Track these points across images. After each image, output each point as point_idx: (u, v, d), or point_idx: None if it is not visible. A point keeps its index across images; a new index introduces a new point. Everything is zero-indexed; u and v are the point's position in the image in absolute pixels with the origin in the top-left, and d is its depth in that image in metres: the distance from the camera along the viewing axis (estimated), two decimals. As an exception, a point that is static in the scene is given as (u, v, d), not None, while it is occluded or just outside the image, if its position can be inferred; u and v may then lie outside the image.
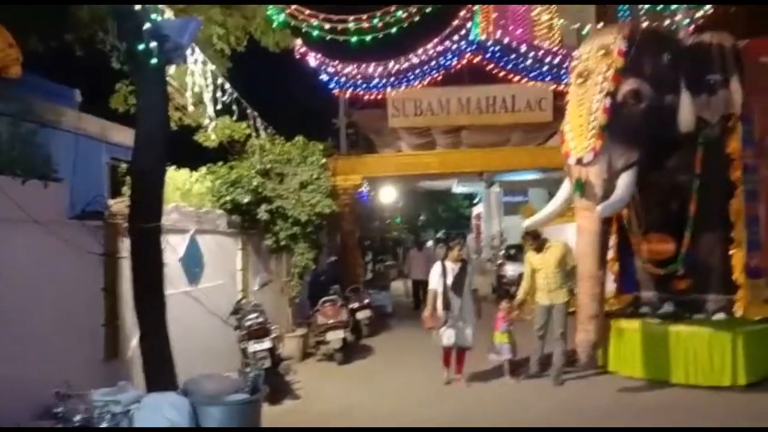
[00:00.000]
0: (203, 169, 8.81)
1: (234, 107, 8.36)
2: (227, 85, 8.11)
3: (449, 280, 7.39)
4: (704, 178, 7.20)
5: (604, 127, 6.56)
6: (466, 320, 7.40)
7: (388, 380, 8.01)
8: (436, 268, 7.52)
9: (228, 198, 8.52)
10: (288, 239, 9.19)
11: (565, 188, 7.21)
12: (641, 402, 6.62)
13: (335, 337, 9.00)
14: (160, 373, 5.06)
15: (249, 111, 9.10)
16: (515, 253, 15.76)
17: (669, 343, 7.09)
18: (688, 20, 14.49)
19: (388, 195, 21.79)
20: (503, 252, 17.32)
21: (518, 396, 7.04)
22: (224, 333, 7.57)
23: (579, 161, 6.67)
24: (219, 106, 7.99)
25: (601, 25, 10.27)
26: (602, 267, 6.91)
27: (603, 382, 7.38)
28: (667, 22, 14.05)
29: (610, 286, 8.48)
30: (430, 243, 17.70)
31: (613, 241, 8.25)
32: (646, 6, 13.34)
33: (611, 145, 6.59)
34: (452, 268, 7.47)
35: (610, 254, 8.23)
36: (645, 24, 8.82)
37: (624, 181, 6.62)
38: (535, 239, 7.66)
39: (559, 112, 14.53)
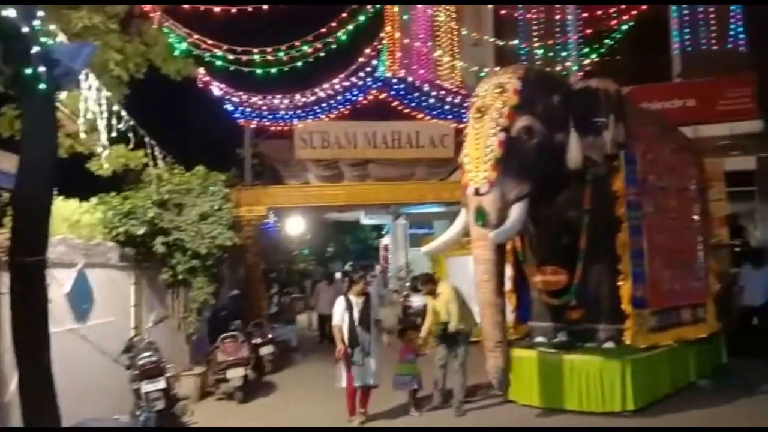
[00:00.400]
0: (94, 200, 8.37)
1: (130, 135, 8.04)
2: (123, 113, 7.80)
3: (355, 315, 7.31)
4: (593, 214, 7.61)
5: (498, 159, 6.83)
6: (372, 355, 7.34)
7: (290, 418, 7.80)
8: (340, 303, 7.43)
9: (121, 230, 8.11)
10: (186, 273, 8.85)
11: (462, 218, 7.44)
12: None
13: (235, 375, 8.71)
14: (40, 418, 4.68)
15: (146, 139, 8.77)
16: (431, 274, 15.93)
17: (563, 371, 7.38)
18: (577, 66, 15.58)
19: (295, 226, 21.57)
20: (409, 284, 17.47)
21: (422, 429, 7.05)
22: (115, 373, 7.15)
23: (476, 191, 6.91)
24: (114, 134, 7.66)
25: (496, 69, 10.79)
26: (501, 295, 7.12)
27: (503, 411, 7.55)
28: (558, 67, 15.03)
29: (509, 317, 8.75)
30: (338, 276, 17.42)
31: (509, 273, 8.55)
32: (540, 52, 14.18)
33: (505, 177, 6.87)
34: (356, 302, 7.42)
35: (508, 286, 8.50)
36: (539, 68, 9.29)
37: (516, 211, 6.90)
38: (426, 284, 7.92)
39: (460, 148, 15.05)
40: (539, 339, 8.15)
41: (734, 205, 14.87)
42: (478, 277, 6.99)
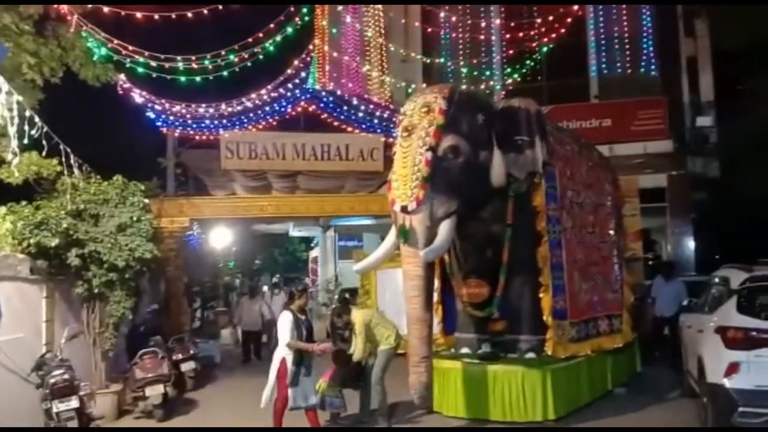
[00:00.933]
0: (3, 209, 7.89)
1: (43, 142, 7.65)
2: (36, 118, 7.41)
3: (303, 333, 7.03)
4: (515, 228, 7.82)
5: (426, 178, 6.93)
6: (311, 375, 7.14)
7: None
8: (287, 318, 6.99)
9: (32, 241, 7.66)
10: (103, 286, 8.45)
11: (393, 234, 7.47)
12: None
13: (154, 392, 8.37)
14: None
15: (61, 146, 8.36)
16: (349, 298, 15.86)
17: (487, 382, 7.51)
18: (500, 86, 16.06)
19: (220, 238, 21.07)
20: (338, 296, 17.37)
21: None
22: (25, 392, 6.82)
23: (404, 209, 6.96)
24: (26, 140, 7.27)
25: (424, 85, 10.98)
26: (430, 310, 7.18)
27: (428, 423, 7.58)
28: (483, 86, 15.46)
29: (436, 328, 8.85)
30: (265, 289, 17.02)
31: (437, 284, 8.65)
32: (465, 71, 14.51)
33: (433, 194, 6.96)
34: (301, 318, 7.16)
35: (435, 297, 8.62)
36: (464, 87, 9.51)
37: (444, 228, 7.00)
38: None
39: (389, 162, 15.22)
40: (464, 350, 8.28)
41: (647, 220, 15.69)
42: (407, 293, 7.03)
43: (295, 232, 26.30)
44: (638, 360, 9.83)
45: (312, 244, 29.56)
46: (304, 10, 11.45)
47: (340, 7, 17.21)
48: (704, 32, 16.54)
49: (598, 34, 17.51)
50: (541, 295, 7.73)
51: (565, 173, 8.23)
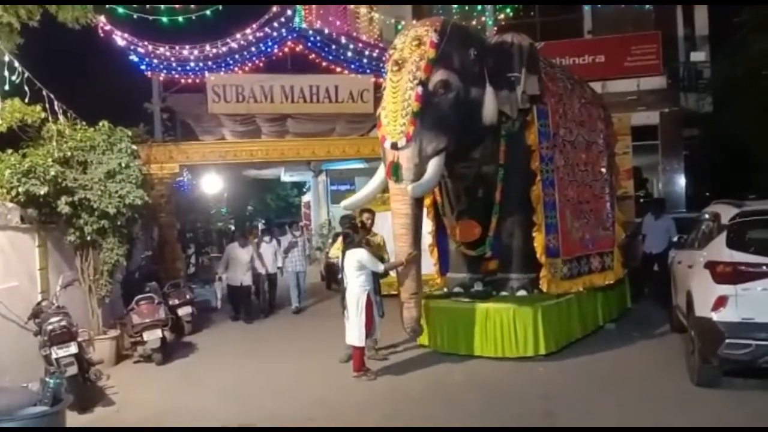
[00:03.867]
0: (-12, 158, 7.77)
1: (26, 88, 7.45)
2: (16, 63, 7.20)
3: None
4: (507, 168, 7.80)
5: (416, 113, 6.85)
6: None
7: (211, 379, 7.68)
8: (363, 252, 7.05)
9: (21, 189, 7.56)
10: (95, 234, 8.42)
11: (381, 172, 7.44)
12: (459, 376, 7.05)
13: (153, 337, 8.48)
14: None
15: (44, 92, 8.16)
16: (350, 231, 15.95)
17: (479, 319, 7.63)
18: (492, 21, 15.69)
19: (211, 184, 20.96)
20: (331, 240, 17.44)
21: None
22: (23, 339, 6.87)
23: (393, 145, 6.91)
24: (7, 87, 7.07)
25: (414, 22, 10.70)
26: (418, 247, 7.23)
27: (422, 359, 7.75)
28: (474, 22, 15.09)
29: (431, 269, 8.95)
30: (267, 237, 12.72)
31: (431, 227, 8.69)
32: (456, 7, 14.13)
33: (422, 131, 6.91)
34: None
35: (429, 240, 8.68)
36: (456, 21, 9.25)
37: (433, 165, 6.98)
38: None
39: (379, 103, 14.99)
40: (457, 289, 8.40)
41: (639, 157, 15.67)
42: (396, 230, 7.09)
43: (286, 177, 26.16)
44: (628, 296, 9.99)
45: (304, 189, 29.50)
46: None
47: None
48: (700, -36, 16.13)
49: (592, -33, 17.04)
50: (534, 233, 7.77)
51: (558, 111, 8.14)
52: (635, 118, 14.93)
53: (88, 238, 8.43)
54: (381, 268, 7.08)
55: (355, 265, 6.95)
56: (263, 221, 24.87)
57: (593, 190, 8.84)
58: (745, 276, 5.45)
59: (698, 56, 15.69)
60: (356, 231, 7.21)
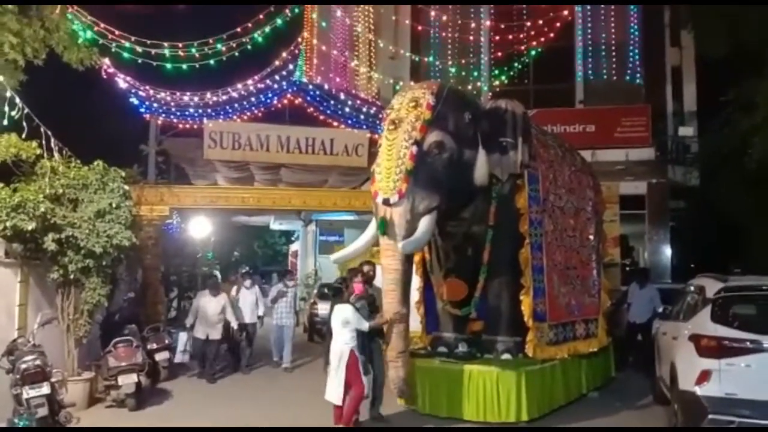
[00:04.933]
0: (-21, 191, 7.73)
1: (24, 124, 7.50)
2: (17, 99, 7.27)
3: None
4: (497, 229, 7.86)
5: (409, 171, 6.95)
6: None
7: (184, 424, 7.49)
8: (350, 308, 6.94)
9: (8, 224, 7.51)
10: (79, 272, 8.33)
11: (373, 227, 7.47)
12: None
13: (128, 381, 8.27)
14: None
15: (42, 129, 8.22)
16: (328, 292, 15.83)
17: (462, 381, 7.52)
18: (487, 87, 16.12)
19: (200, 228, 20.87)
20: (316, 291, 17.33)
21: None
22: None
23: (385, 201, 6.97)
24: (5, 122, 7.12)
25: (411, 83, 10.99)
26: (406, 305, 7.20)
27: (404, 420, 7.59)
28: (470, 87, 15.50)
29: (417, 327, 8.88)
30: (248, 282, 11.53)
31: (418, 283, 8.68)
32: (453, 71, 14.51)
33: (415, 189, 6.99)
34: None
35: (416, 296, 8.65)
36: (452, 85, 9.50)
37: (425, 223, 7.02)
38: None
39: (373, 158, 15.23)
40: (441, 349, 8.31)
41: (626, 226, 15.87)
42: (384, 286, 7.06)
43: (275, 225, 26.19)
44: (613, 365, 9.93)
45: (292, 238, 29.47)
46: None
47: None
48: (689, 42, 16.73)
49: (586, 40, 17.68)
50: (521, 296, 7.76)
51: (548, 176, 8.28)
52: (623, 188, 15.18)
53: (72, 276, 8.34)
54: (366, 326, 6.95)
55: (341, 320, 6.86)
56: (249, 268, 24.58)
57: (580, 256, 8.91)
58: (729, 351, 5.47)
59: (686, 131, 16.14)
60: (342, 287, 7.16)
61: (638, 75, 17.23)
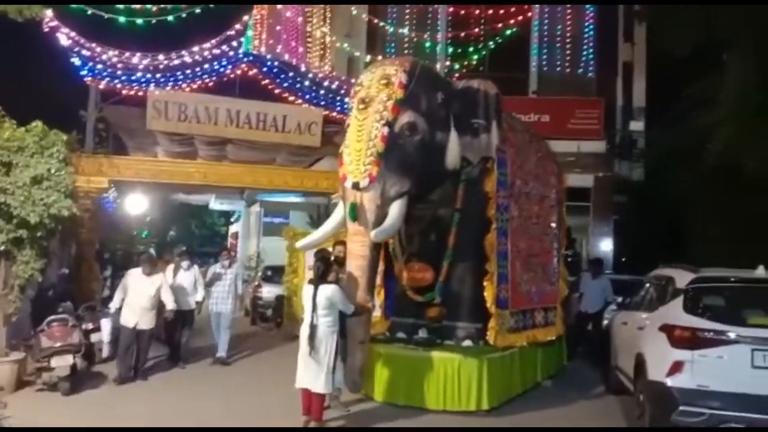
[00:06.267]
0: None
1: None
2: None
3: None
4: (463, 213, 7.66)
5: (381, 154, 6.64)
6: None
7: (123, 413, 6.96)
8: (337, 290, 6.38)
9: (-71, 187, 6.76)
10: (10, 244, 7.60)
11: (340, 211, 7.11)
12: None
13: (62, 363, 7.63)
14: None
15: (-28, 84, 7.43)
16: (272, 275, 15.37)
17: (423, 368, 7.30)
18: (445, 71, 15.87)
19: (136, 204, 19.90)
20: (261, 274, 16.82)
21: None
22: None
23: (355, 186, 6.63)
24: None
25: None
26: (372, 292, 6.91)
27: (362, 409, 7.31)
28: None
29: (376, 312, 8.58)
30: (186, 263, 9.92)
31: (380, 267, 8.36)
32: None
33: (386, 172, 6.69)
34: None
35: (378, 281, 8.33)
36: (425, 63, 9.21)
37: (396, 209, 6.74)
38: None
39: (326, 138, 14.84)
40: (400, 335, 8.05)
41: (570, 218, 16.02)
42: (351, 274, 6.72)
43: (216, 205, 25.37)
44: (565, 354, 9.96)
45: (232, 219, 28.65)
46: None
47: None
48: (642, 39, 17.05)
49: (542, 31, 17.73)
50: (485, 283, 7.59)
51: (516, 161, 8.14)
52: (571, 180, 15.21)
53: (2, 248, 7.60)
54: (351, 308, 6.47)
55: (324, 303, 6.31)
56: (184, 248, 23.57)
57: (542, 243, 8.84)
58: (703, 342, 5.43)
59: (637, 125, 16.45)
60: (329, 265, 6.68)
61: (590, 68, 17.43)
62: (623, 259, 16.41)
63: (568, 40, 17.43)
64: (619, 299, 9.25)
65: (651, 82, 17.19)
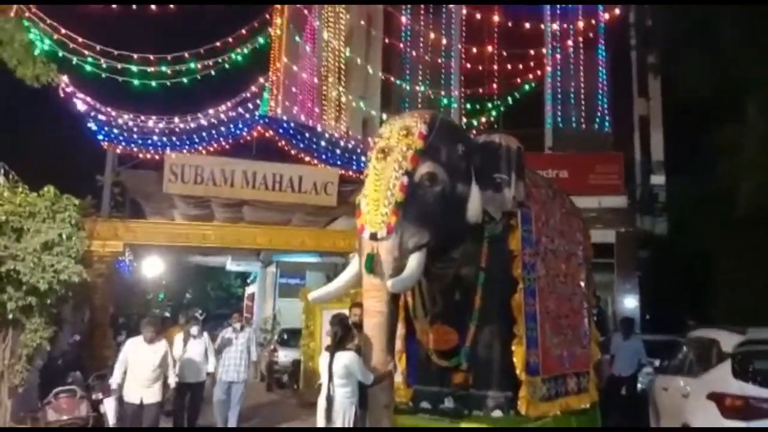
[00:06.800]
0: None
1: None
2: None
3: None
4: (489, 273, 7.25)
5: (399, 204, 6.35)
6: None
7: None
8: (356, 358, 6.06)
9: (-61, 254, 6.60)
10: (19, 312, 7.38)
11: (355, 264, 6.78)
12: None
13: (69, 438, 7.29)
14: None
15: (-13, 150, 7.37)
16: (288, 339, 14.98)
17: (449, 441, 6.82)
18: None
19: (152, 267, 19.81)
20: (276, 337, 16.42)
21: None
22: None
23: (373, 236, 6.33)
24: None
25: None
26: (391, 352, 6.50)
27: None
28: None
29: (397, 378, 8.13)
30: (195, 329, 9.19)
31: (400, 330, 7.97)
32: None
33: (405, 223, 6.37)
34: None
35: (398, 345, 7.92)
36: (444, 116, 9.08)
37: (414, 261, 6.37)
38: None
39: (342, 198, 14.72)
40: (424, 404, 7.55)
41: (595, 276, 15.61)
42: (368, 332, 6.32)
43: (232, 266, 25.19)
44: (599, 421, 9.35)
45: (248, 280, 28.40)
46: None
47: (298, 38, 16.81)
48: (656, 92, 16.98)
49: (555, 87, 17.77)
50: (513, 347, 7.12)
51: (541, 218, 7.79)
52: (593, 236, 14.94)
53: (10, 315, 7.37)
54: (371, 378, 6.03)
55: (342, 371, 5.95)
56: (201, 311, 23.11)
57: (572, 303, 8.39)
58: (758, 412, 4.97)
59: (658, 179, 16.18)
60: (348, 330, 6.30)
61: (606, 123, 17.35)
62: (647, 317, 15.85)
63: (582, 95, 17.44)
64: (655, 362, 8.74)
65: (668, 134, 17.02)
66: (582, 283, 8.72)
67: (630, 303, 16.67)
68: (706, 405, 5.42)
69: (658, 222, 16.78)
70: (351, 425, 5.95)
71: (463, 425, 6.88)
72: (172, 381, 8.02)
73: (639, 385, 9.68)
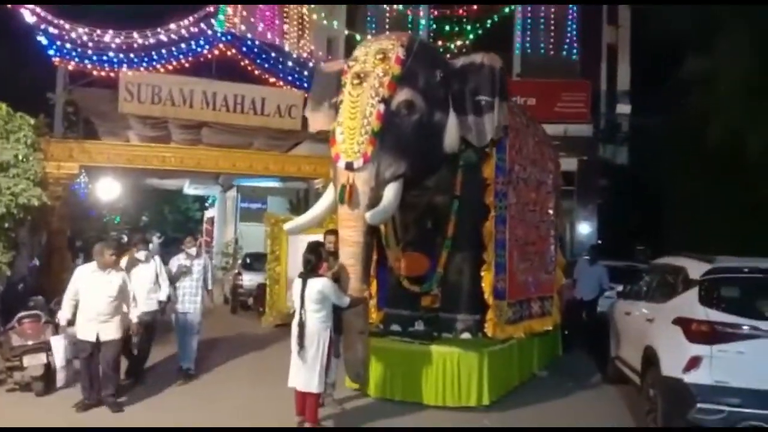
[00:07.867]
0: None
1: None
2: None
3: None
4: (463, 200, 7.28)
5: (376, 133, 6.19)
6: None
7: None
8: (329, 282, 5.95)
9: None
10: (-25, 236, 7.07)
11: (330, 194, 6.66)
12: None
13: (35, 362, 7.13)
14: None
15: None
16: (253, 263, 14.90)
17: (420, 362, 6.98)
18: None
19: (108, 190, 19.20)
20: (240, 261, 16.30)
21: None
22: None
23: (349, 166, 6.19)
24: None
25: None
26: (367, 281, 6.52)
27: (359, 406, 6.97)
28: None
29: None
30: (143, 253, 7.87)
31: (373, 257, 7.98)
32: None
33: (382, 153, 6.24)
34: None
35: (370, 271, 7.95)
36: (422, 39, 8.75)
37: (391, 191, 6.30)
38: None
39: (306, 121, 14.33)
40: (394, 327, 7.69)
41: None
42: (344, 261, 6.29)
43: (190, 190, 24.69)
44: (560, 343, 9.74)
45: (207, 204, 27.97)
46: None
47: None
48: (626, 21, 16.85)
49: (525, 13, 17.43)
50: (483, 272, 7.25)
51: (515, 146, 7.78)
52: (556, 163, 15.15)
53: (-34, 241, 7.06)
54: (346, 301, 6.05)
55: (315, 297, 5.91)
56: (159, 234, 22.60)
57: (539, 231, 8.55)
58: (722, 336, 5.18)
59: (623, 109, 16.29)
60: (319, 256, 6.25)
61: (574, 51, 17.20)
62: (599, 242, 16.28)
63: (552, 22, 17.18)
64: (618, 287, 9.02)
65: (636, 66, 17.03)
66: (550, 211, 8.86)
67: (586, 229, 17.11)
68: (671, 329, 5.63)
69: (620, 152, 17.03)
70: (325, 350, 5.99)
71: (433, 347, 7.06)
72: (134, 315, 6.92)
73: (599, 308, 10.01)
